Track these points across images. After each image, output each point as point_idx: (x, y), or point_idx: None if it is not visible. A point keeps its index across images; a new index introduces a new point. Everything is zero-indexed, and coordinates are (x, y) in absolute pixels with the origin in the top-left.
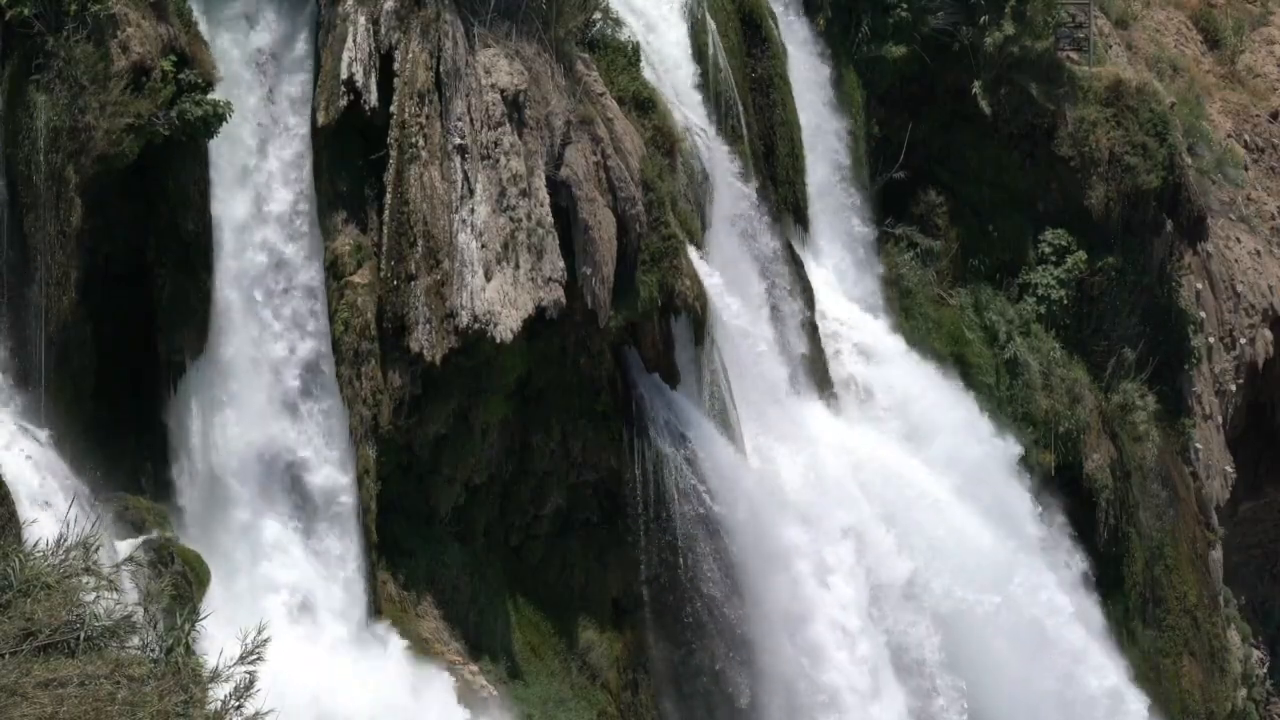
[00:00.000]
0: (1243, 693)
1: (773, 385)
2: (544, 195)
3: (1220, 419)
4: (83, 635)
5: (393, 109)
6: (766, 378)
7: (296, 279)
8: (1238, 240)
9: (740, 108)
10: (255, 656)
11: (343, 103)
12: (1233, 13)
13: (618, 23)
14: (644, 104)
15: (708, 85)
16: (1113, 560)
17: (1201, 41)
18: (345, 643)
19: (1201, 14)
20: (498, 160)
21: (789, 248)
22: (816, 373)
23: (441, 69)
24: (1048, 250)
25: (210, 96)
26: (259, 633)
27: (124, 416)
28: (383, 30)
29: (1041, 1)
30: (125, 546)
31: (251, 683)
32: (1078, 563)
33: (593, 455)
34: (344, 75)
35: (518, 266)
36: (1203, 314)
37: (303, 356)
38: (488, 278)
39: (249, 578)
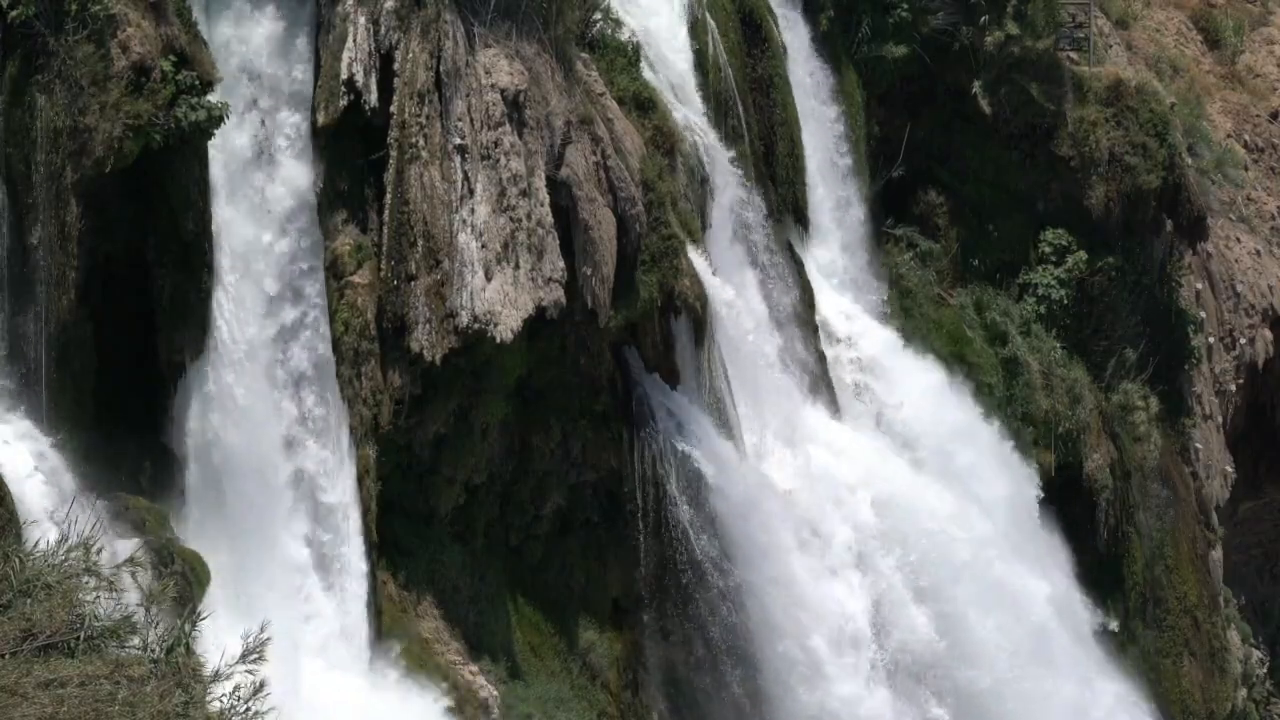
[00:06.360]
0: (1243, 693)
1: (772, 385)
2: (544, 195)
3: (1220, 419)
4: (83, 636)
5: (393, 109)
6: (766, 378)
7: (296, 278)
8: (1238, 240)
9: (740, 108)
10: (256, 656)
11: (343, 103)
12: (1233, 13)
13: (618, 23)
14: (644, 104)
15: (708, 85)
16: (1113, 560)
17: (1201, 41)
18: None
19: (1201, 14)
20: (498, 160)
21: (789, 248)
22: (816, 373)
23: (441, 69)
24: (1048, 250)
25: (208, 98)
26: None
27: (124, 416)
28: (383, 30)
29: (1042, 1)
30: (125, 547)
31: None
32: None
33: (593, 455)
34: (344, 75)
35: (518, 266)
36: (1203, 314)
37: (303, 356)
38: (488, 278)
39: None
